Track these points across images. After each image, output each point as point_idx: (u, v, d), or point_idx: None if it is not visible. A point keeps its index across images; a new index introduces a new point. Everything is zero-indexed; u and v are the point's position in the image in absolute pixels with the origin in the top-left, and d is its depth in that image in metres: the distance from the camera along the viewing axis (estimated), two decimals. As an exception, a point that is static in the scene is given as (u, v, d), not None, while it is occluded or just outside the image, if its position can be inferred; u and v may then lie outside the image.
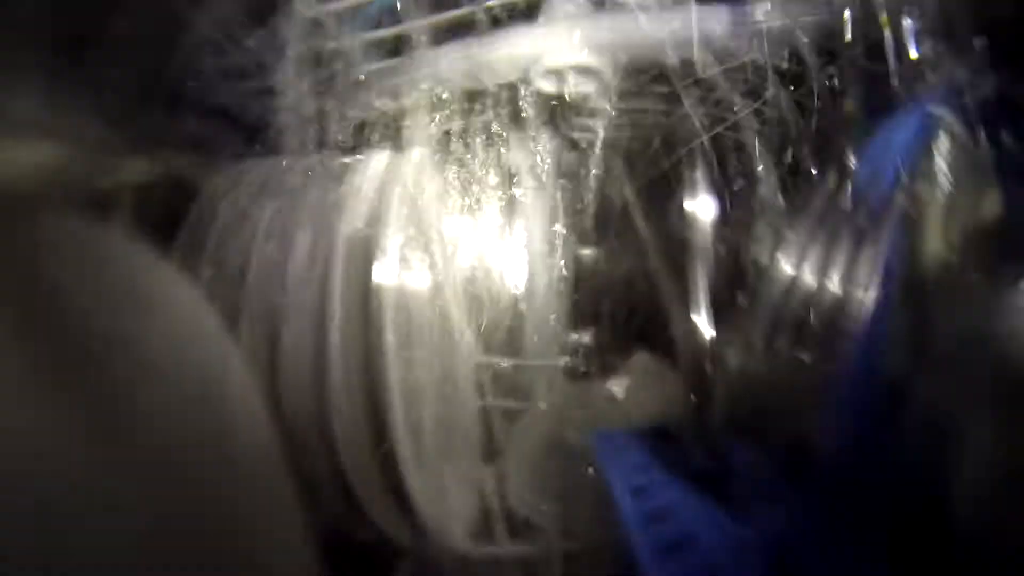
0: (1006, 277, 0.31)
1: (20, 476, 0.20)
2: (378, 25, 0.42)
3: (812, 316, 0.36)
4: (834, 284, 0.35)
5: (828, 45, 0.42)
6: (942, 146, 0.35)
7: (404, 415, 0.34)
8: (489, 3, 0.43)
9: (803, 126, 0.44)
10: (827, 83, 0.44)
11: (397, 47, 0.42)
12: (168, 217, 0.39)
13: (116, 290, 0.26)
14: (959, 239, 0.34)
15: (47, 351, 0.22)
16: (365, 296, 0.35)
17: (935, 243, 0.34)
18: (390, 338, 0.34)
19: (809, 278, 0.37)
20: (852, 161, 0.41)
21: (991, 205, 0.36)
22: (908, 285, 0.33)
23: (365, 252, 0.36)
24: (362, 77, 0.40)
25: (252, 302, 0.36)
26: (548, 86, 0.47)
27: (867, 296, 0.32)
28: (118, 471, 0.23)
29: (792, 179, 0.45)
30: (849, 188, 0.38)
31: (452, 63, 0.42)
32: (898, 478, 0.29)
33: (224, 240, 0.37)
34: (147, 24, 0.35)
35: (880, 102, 0.40)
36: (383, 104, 0.42)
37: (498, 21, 0.44)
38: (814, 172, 0.43)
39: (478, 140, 0.48)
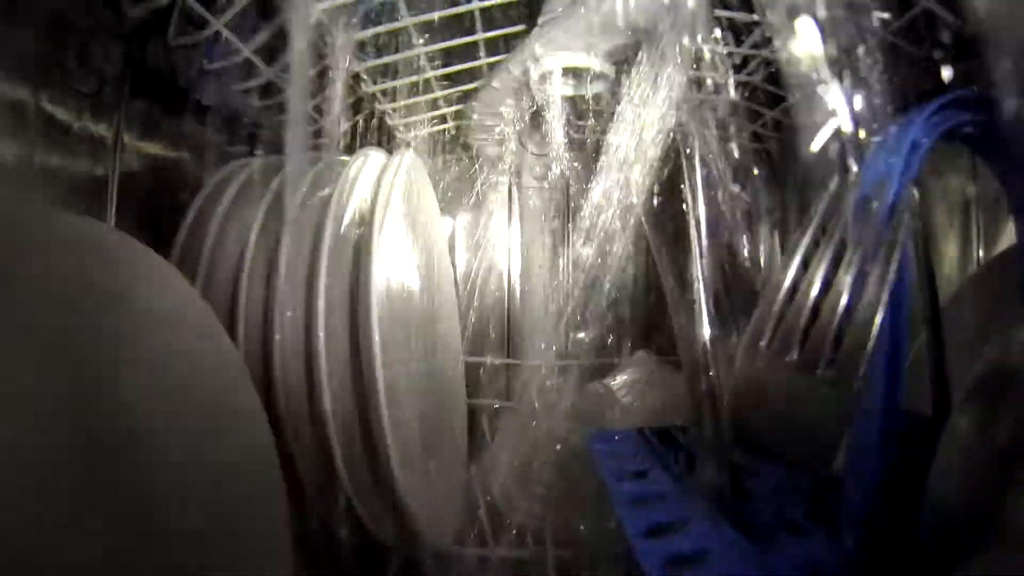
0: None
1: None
2: (376, 23, 0.41)
3: (821, 327, 0.35)
4: (843, 296, 0.35)
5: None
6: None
7: (393, 415, 0.34)
8: (487, 3, 0.42)
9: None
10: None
11: (394, 44, 0.42)
12: (161, 212, 0.38)
13: (106, 284, 0.26)
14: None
15: (34, 347, 0.22)
16: (354, 295, 0.34)
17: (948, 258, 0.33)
18: (377, 338, 0.33)
19: (816, 288, 0.36)
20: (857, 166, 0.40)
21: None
22: (922, 300, 0.32)
23: (353, 252, 0.35)
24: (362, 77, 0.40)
25: (241, 302, 0.35)
26: (550, 88, 0.47)
27: (878, 310, 0.31)
28: (105, 469, 0.23)
29: (800, 181, 0.44)
30: (854, 195, 0.38)
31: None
32: (914, 500, 0.28)
33: (215, 238, 0.37)
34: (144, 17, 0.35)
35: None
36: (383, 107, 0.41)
37: (495, 20, 0.44)
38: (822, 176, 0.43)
39: (478, 140, 0.48)
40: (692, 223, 0.50)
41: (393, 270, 0.38)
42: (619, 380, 0.51)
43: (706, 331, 0.46)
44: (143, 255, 0.29)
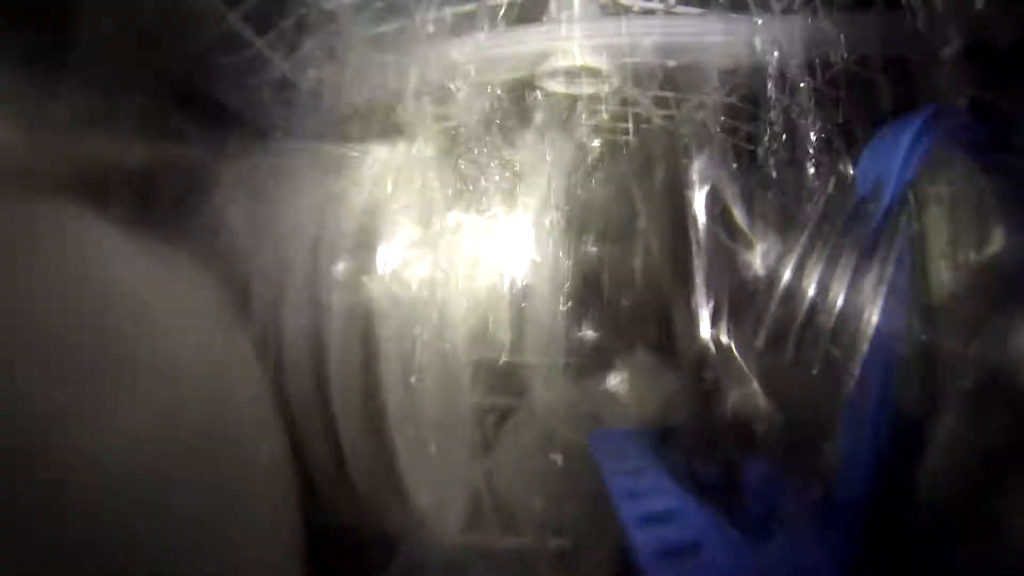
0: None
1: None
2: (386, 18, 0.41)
3: (816, 327, 0.36)
4: (838, 296, 0.35)
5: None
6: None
7: (400, 408, 0.34)
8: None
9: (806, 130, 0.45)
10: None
11: (405, 41, 0.42)
12: (168, 208, 0.38)
13: (112, 279, 0.26)
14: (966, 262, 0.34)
15: (46, 338, 0.22)
16: (362, 289, 0.35)
17: (942, 261, 0.34)
18: (385, 332, 0.34)
19: (813, 288, 0.37)
20: (853, 168, 0.41)
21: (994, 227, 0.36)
22: (916, 302, 0.32)
23: (363, 245, 0.36)
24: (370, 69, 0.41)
25: (254, 294, 0.36)
26: (554, 86, 0.48)
27: (873, 310, 0.32)
28: (111, 460, 0.23)
29: (797, 183, 0.45)
30: (852, 196, 0.38)
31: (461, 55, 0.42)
32: (906, 497, 0.29)
33: (227, 231, 0.37)
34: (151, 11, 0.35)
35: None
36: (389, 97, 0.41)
37: (503, 18, 0.44)
38: (818, 178, 0.43)
39: (483, 137, 0.48)
40: (692, 223, 0.51)
41: (401, 265, 0.38)
42: (618, 379, 0.52)
43: (705, 331, 0.46)
44: (150, 250, 0.29)
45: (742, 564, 0.31)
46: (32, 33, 0.31)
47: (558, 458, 0.46)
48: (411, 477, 0.35)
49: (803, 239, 0.39)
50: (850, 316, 0.34)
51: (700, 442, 0.41)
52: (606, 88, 0.48)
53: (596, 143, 0.54)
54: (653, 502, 0.37)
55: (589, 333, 0.53)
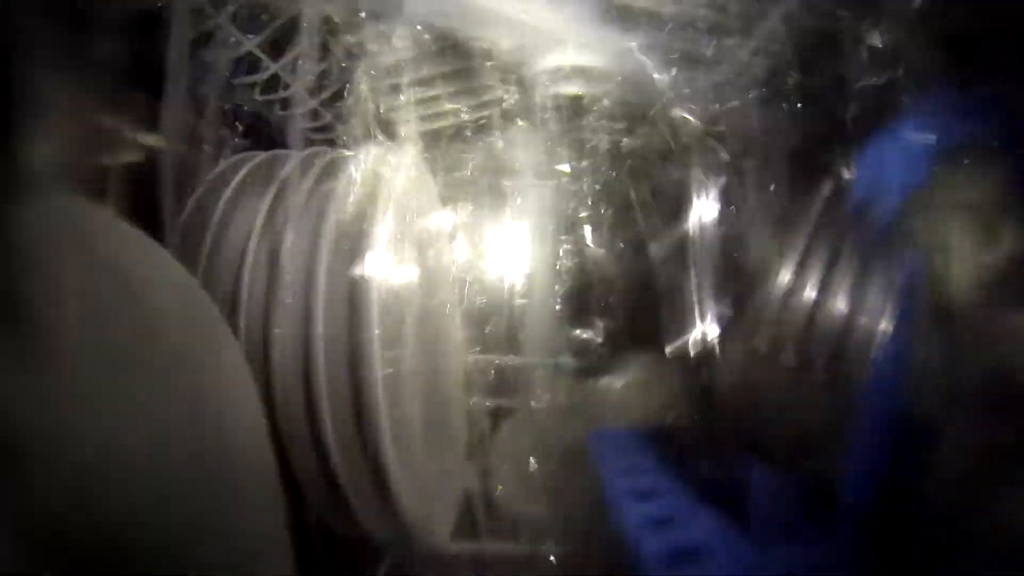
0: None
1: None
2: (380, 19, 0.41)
3: (820, 330, 0.35)
4: (839, 301, 0.35)
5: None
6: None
7: (391, 412, 0.34)
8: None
9: (805, 131, 0.44)
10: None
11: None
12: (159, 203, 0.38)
13: (106, 272, 0.26)
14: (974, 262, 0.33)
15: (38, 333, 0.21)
16: (352, 291, 0.34)
17: (947, 263, 0.33)
18: (376, 333, 0.33)
19: (812, 291, 0.36)
20: (851, 170, 0.40)
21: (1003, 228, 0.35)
22: (920, 307, 0.32)
23: (354, 247, 0.35)
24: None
25: (242, 295, 0.35)
26: (551, 86, 0.47)
27: (878, 313, 0.31)
28: (101, 462, 0.22)
29: (797, 185, 0.45)
30: (853, 198, 0.38)
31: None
32: (913, 502, 0.28)
33: (216, 232, 0.36)
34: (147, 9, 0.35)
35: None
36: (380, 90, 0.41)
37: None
38: (817, 178, 0.43)
39: (479, 137, 0.48)
40: (691, 223, 0.50)
41: (394, 266, 0.38)
42: (617, 379, 0.51)
43: (704, 331, 0.46)
44: (144, 244, 0.28)
45: (747, 570, 0.31)
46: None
47: (555, 460, 0.45)
48: (402, 482, 0.35)
49: (805, 241, 0.39)
50: (855, 319, 0.33)
51: (702, 444, 0.40)
52: (602, 88, 0.48)
53: (594, 143, 0.53)
54: (655, 505, 0.36)
55: (588, 334, 0.53)
